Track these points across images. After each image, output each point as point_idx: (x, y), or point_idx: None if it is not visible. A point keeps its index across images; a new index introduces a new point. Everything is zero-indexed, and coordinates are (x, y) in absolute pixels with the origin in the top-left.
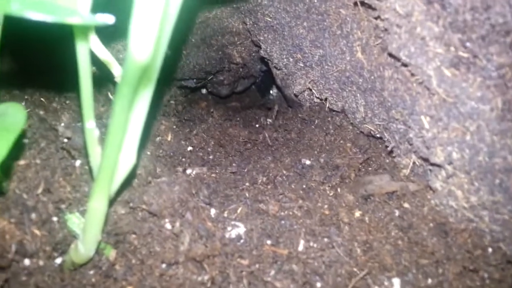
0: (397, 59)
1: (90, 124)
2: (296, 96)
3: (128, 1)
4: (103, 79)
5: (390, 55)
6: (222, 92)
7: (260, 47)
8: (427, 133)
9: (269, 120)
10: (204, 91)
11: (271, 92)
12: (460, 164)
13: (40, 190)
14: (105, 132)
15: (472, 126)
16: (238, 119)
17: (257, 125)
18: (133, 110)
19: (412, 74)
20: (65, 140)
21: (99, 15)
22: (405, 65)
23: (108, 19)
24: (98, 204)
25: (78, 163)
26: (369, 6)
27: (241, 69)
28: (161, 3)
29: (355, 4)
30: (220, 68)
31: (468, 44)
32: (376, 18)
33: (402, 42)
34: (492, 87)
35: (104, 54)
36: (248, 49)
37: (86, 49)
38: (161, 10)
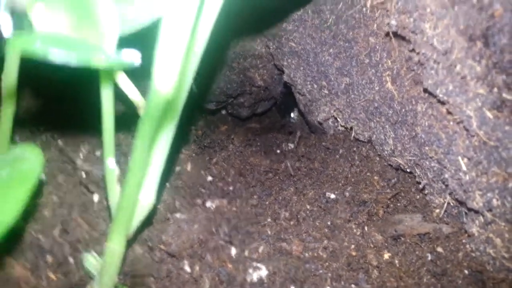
0: (433, 95)
1: (110, 162)
2: (320, 123)
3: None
4: (129, 116)
5: (426, 90)
6: (242, 113)
7: (282, 71)
8: (464, 175)
9: (291, 145)
10: (223, 112)
11: (292, 115)
12: (501, 211)
13: (56, 231)
14: (124, 172)
15: None
16: (258, 144)
17: (278, 151)
18: (155, 147)
19: (450, 113)
20: (83, 174)
21: (125, 52)
22: (442, 102)
23: (134, 57)
24: (115, 246)
25: (96, 198)
26: (403, 38)
27: (262, 92)
28: (186, 36)
29: (387, 34)
30: (241, 91)
31: None
32: (410, 51)
33: (439, 79)
34: None
35: (132, 92)
36: (270, 72)
37: (110, 87)
38: (185, 43)
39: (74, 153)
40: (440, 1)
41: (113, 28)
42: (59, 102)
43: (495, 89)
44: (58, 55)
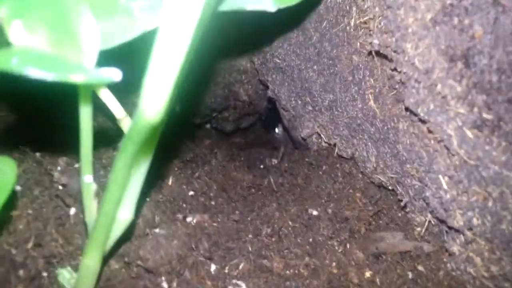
0: (414, 114)
1: (87, 178)
2: (303, 139)
3: (137, 50)
4: (110, 128)
5: (407, 109)
6: (226, 128)
7: (267, 86)
8: (445, 194)
9: (274, 161)
10: (208, 126)
11: (276, 130)
12: (481, 230)
13: (30, 244)
14: (103, 185)
15: (495, 192)
16: (242, 158)
17: (261, 166)
18: (136, 165)
19: (431, 131)
20: (60, 187)
21: (105, 70)
22: (423, 121)
23: (114, 75)
24: (91, 262)
25: (72, 211)
26: (385, 57)
27: (247, 107)
28: (181, 58)
29: (370, 53)
30: (226, 106)
31: (493, 106)
32: (392, 70)
33: (420, 98)
34: None
35: (114, 107)
36: (254, 87)
37: (89, 103)
38: (179, 65)
39: (52, 166)
40: (421, 22)
41: (94, 44)
42: (37, 115)
43: (475, 109)
44: (35, 73)
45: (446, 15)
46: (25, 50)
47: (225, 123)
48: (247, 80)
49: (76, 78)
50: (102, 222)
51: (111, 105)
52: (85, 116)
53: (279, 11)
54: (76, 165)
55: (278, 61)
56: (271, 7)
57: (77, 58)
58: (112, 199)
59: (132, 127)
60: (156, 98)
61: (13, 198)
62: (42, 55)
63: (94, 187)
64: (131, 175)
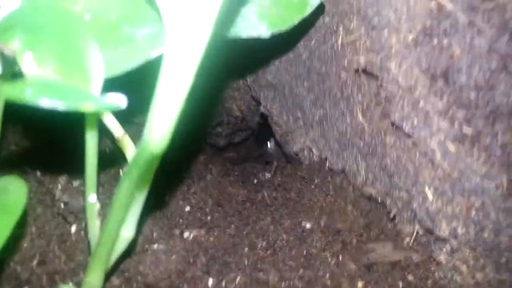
0: (400, 129)
1: (91, 198)
2: (295, 153)
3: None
4: (108, 150)
5: (393, 124)
6: (219, 143)
7: (259, 102)
8: (431, 205)
9: (268, 175)
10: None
11: (268, 144)
12: (465, 239)
13: (34, 262)
14: (105, 204)
15: (477, 202)
16: (236, 173)
17: (255, 181)
18: (138, 188)
19: (415, 145)
20: (62, 205)
21: (112, 97)
22: (408, 135)
23: (121, 101)
24: (94, 280)
25: (73, 228)
26: (371, 75)
27: (239, 122)
28: (184, 93)
29: (356, 70)
30: (219, 122)
31: (472, 121)
32: (378, 87)
33: (404, 114)
34: (497, 164)
35: (117, 131)
36: (247, 103)
37: (95, 127)
38: (183, 100)
39: (53, 184)
40: (404, 42)
41: (99, 73)
42: (37, 134)
43: (456, 124)
44: (48, 104)
45: (427, 36)
46: (38, 82)
47: (219, 138)
48: (239, 97)
49: (86, 107)
50: (105, 240)
51: (110, 125)
52: (91, 140)
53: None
54: (76, 183)
55: (270, 78)
56: (266, 33)
57: (84, 86)
58: (116, 219)
59: (137, 155)
60: (161, 131)
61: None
62: (54, 85)
63: (97, 206)
64: (134, 196)
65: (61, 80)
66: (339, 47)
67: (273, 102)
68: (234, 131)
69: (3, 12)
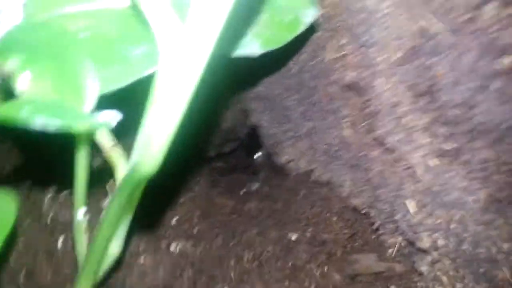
0: (384, 143)
1: (80, 213)
2: (283, 165)
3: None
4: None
5: (377, 138)
6: (209, 153)
7: (249, 114)
8: (413, 217)
9: (255, 186)
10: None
11: (257, 155)
12: (446, 251)
13: (21, 276)
14: (92, 217)
15: (457, 216)
16: (223, 184)
17: (243, 191)
18: (127, 206)
19: (398, 160)
20: (49, 218)
21: (105, 114)
22: (391, 150)
23: (114, 117)
24: None
25: (60, 241)
26: (358, 90)
27: (229, 133)
28: (178, 117)
29: (344, 85)
30: (209, 133)
31: (453, 137)
32: (364, 102)
33: (389, 129)
34: (476, 179)
35: (104, 139)
36: (237, 114)
37: (86, 145)
38: (176, 125)
39: (40, 197)
40: (389, 61)
41: (93, 91)
42: (25, 146)
43: (438, 140)
44: (42, 124)
45: (412, 55)
46: (32, 101)
47: (208, 149)
48: (229, 108)
49: (81, 126)
50: (93, 257)
51: (100, 137)
52: (81, 156)
53: None
54: (62, 195)
55: (260, 90)
56: (258, 51)
57: (79, 103)
58: (105, 237)
59: (128, 177)
60: (153, 155)
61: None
62: (48, 105)
63: (85, 221)
64: (123, 214)
65: (56, 99)
66: (329, 62)
67: (262, 113)
68: (223, 142)
69: (4, 28)
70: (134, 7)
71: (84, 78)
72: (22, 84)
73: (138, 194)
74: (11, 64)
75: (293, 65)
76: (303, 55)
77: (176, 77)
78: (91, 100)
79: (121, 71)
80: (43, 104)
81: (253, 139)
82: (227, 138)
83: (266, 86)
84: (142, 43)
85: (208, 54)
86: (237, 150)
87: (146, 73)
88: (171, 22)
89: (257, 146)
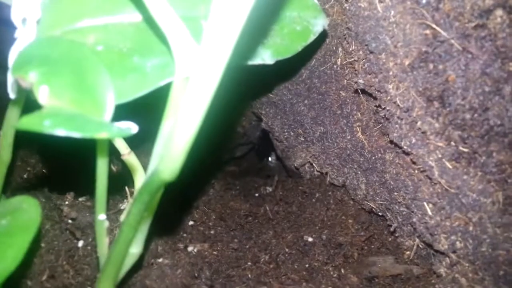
0: (398, 146)
1: (101, 216)
2: (296, 168)
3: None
4: (124, 176)
5: (392, 142)
6: (222, 157)
7: (260, 118)
8: (430, 219)
9: (269, 189)
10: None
11: (269, 158)
12: (464, 253)
13: (44, 276)
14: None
15: (475, 218)
16: (238, 187)
17: (257, 194)
18: (147, 209)
19: (414, 162)
20: (70, 220)
21: (123, 124)
22: (406, 153)
23: (132, 128)
24: None
25: (81, 243)
26: (370, 95)
27: (241, 137)
28: (198, 123)
29: (356, 90)
30: (223, 138)
31: (468, 140)
32: (376, 106)
33: (403, 132)
34: (493, 181)
35: (120, 145)
36: (248, 119)
37: (106, 152)
38: (195, 132)
39: (61, 201)
40: (400, 66)
41: (110, 102)
42: (46, 151)
43: (453, 143)
44: (65, 133)
45: (422, 61)
46: (55, 113)
47: (222, 153)
48: (241, 113)
49: (101, 135)
50: (115, 258)
51: (117, 143)
52: (102, 163)
53: None
54: (82, 199)
55: (271, 95)
56: (270, 61)
57: (97, 115)
58: (126, 239)
59: (148, 182)
60: (173, 162)
61: None
62: (70, 116)
63: (106, 224)
64: (143, 217)
65: (75, 110)
66: (339, 67)
67: (274, 118)
68: (236, 146)
69: (20, 43)
70: (147, 21)
71: (102, 89)
72: (43, 95)
73: (157, 198)
74: (31, 77)
75: (303, 70)
76: (313, 60)
77: (195, 88)
78: (109, 110)
79: (136, 82)
80: (64, 116)
81: (264, 143)
82: (240, 142)
83: (277, 91)
84: (155, 55)
85: (224, 66)
86: (249, 153)
87: (160, 84)
88: (186, 36)
89: (269, 150)
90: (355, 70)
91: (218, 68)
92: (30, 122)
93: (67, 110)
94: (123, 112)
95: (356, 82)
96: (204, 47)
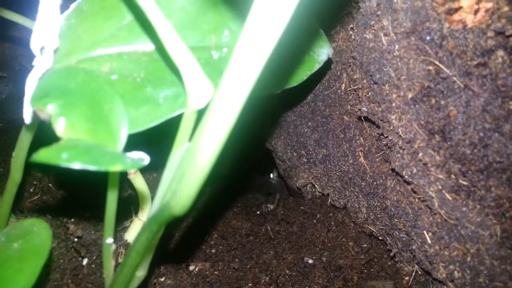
0: (400, 175)
1: (109, 240)
2: (298, 188)
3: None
4: (130, 195)
5: (393, 170)
6: (223, 173)
7: (264, 138)
8: (429, 248)
9: (270, 206)
10: None
11: (271, 175)
12: (462, 282)
13: None
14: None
15: (473, 249)
16: (239, 205)
17: (258, 212)
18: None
19: (415, 192)
20: (75, 239)
21: (136, 155)
22: (407, 182)
23: (145, 159)
24: None
25: (85, 261)
26: (373, 123)
27: (245, 156)
28: (211, 161)
29: (359, 117)
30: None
31: (468, 174)
32: (379, 134)
33: (404, 162)
34: (491, 215)
35: (138, 180)
36: (251, 135)
37: (116, 182)
38: (209, 168)
39: (67, 218)
40: (403, 99)
41: (123, 132)
42: (51, 167)
43: (453, 176)
44: (81, 166)
45: (425, 95)
46: (72, 145)
47: (222, 169)
48: (245, 132)
49: (115, 168)
50: (121, 281)
51: (137, 183)
52: (112, 192)
53: None
54: (87, 214)
55: (275, 115)
56: (277, 90)
57: (111, 144)
58: (132, 264)
59: (159, 215)
60: (185, 199)
61: None
62: (85, 148)
63: (113, 247)
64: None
65: (90, 140)
66: (343, 92)
67: (277, 139)
68: (239, 163)
69: (38, 71)
70: (160, 51)
71: (116, 120)
72: (60, 127)
73: (165, 226)
74: (50, 109)
75: (308, 93)
76: (318, 84)
77: (213, 129)
78: (122, 141)
79: (149, 113)
80: (80, 149)
81: (266, 160)
82: (243, 159)
83: (282, 112)
84: (168, 86)
85: (242, 104)
86: (251, 170)
87: (172, 115)
88: (198, 71)
89: (271, 167)
90: (359, 97)
91: (236, 106)
92: (49, 156)
93: (82, 141)
94: (131, 138)
95: (359, 109)
96: (224, 88)
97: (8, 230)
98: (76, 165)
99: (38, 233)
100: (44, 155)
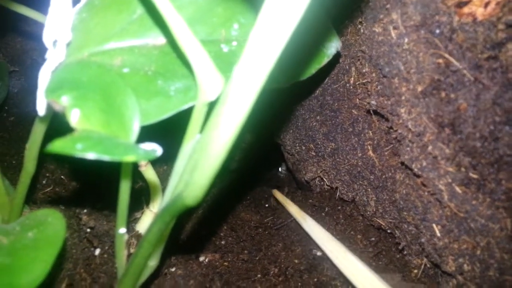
0: (409, 168)
1: (121, 230)
2: (307, 181)
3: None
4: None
5: (402, 163)
6: (232, 166)
7: (273, 132)
8: (438, 241)
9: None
10: None
11: (280, 169)
12: (471, 276)
13: (63, 285)
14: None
15: (483, 242)
16: (248, 198)
17: (267, 205)
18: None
19: (424, 185)
20: (88, 229)
21: (148, 146)
22: (417, 175)
23: (157, 150)
24: None
25: (98, 251)
26: (382, 116)
27: (254, 149)
28: (225, 153)
29: (368, 111)
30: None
31: (478, 167)
32: (388, 128)
33: (414, 155)
34: (501, 208)
35: (153, 179)
36: (259, 129)
37: (129, 172)
38: (223, 159)
39: (80, 209)
40: (413, 92)
41: (136, 124)
42: (64, 158)
43: (463, 169)
44: (95, 156)
45: (435, 89)
46: (86, 136)
47: (231, 163)
48: (254, 126)
49: (128, 158)
50: (133, 270)
51: (148, 175)
52: (125, 182)
53: None
54: (99, 205)
55: (284, 109)
56: (286, 84)
57: (124, 136)
58: (145, 254)
59: (171, 206)
60: (198, 190)
61: None
62: (99, 139)
63: (125, 237)
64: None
65: (104, 131)
66: (351, 86)
67: (286, 132)
68: (248, 156)
69: (50, 64)
70: (171, 44)
71: (129, 112)
72: (75, 118)
73: (175, 218)
74: (64, 101)
75: (316, 87)
76: (326, 79)
77: (226, 121)
78: (135, 132)
79: (160, 105)
80: (94, 139)
81: (275, 154)
82: (252, 153)
83: (290, 106)
84: (179, 79)
85: (255, 97)
86: (260, 164)
87: (183, 107)
88: (209, 64)
89: (280, 161)
90: (368, 91)
91: (250, 98)
92: (63, 146)
93: (96, 132)
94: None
95: (368, 103)
96: (238, 80)
97: (22, 220)
98: (91, 155)
99: (52, 223)
100: (59, 146)
